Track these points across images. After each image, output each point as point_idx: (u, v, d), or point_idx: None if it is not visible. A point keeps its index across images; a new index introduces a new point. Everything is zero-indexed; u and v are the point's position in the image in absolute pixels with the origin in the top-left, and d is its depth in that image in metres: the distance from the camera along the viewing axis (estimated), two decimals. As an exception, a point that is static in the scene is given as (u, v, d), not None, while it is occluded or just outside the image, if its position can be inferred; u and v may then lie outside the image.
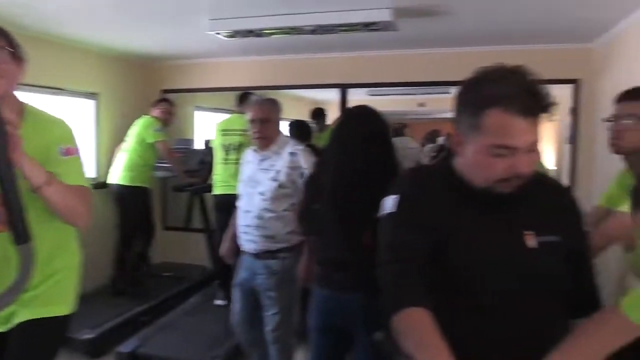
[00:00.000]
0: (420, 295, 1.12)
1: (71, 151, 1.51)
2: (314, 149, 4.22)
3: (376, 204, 1.81)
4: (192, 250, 5.09)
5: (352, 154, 1.95)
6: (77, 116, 4.53)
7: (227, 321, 3.14)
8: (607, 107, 2.12)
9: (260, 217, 2.50)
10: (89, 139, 4.66)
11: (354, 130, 1.99)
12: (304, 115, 6.33)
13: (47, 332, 1.57)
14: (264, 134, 2.53)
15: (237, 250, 2.74)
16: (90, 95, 4.64)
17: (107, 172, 4.54)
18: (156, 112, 4.52)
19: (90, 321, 3.55)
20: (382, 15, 3.18)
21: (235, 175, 3.39)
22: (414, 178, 1.40)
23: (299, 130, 4.31)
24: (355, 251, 1.92)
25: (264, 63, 4.84)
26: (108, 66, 4.73)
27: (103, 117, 4.76)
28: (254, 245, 2.54)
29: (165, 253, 5.24)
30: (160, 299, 4.24)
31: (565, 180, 4.61)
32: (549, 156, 6.50)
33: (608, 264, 2.94)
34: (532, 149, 1.15)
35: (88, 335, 3.45)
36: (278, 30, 3.52)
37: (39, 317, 1.54)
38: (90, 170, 4.59)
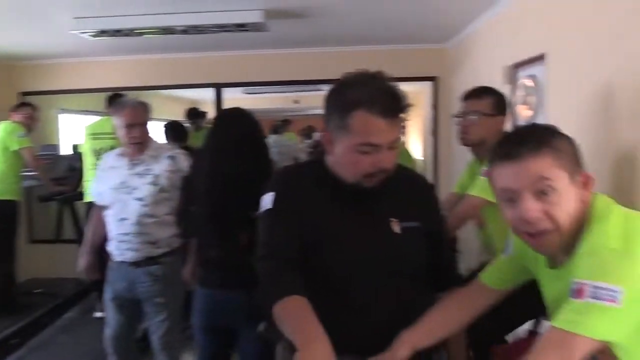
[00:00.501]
0: (296, 286, 1.20)
1: None
2: (190, 150, 4.20)
3: (250, 204, 1.89)
4: (64, 263, 4.77)
5: (225, 156, 2.00)
6: None
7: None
8: (459, 101, 2.39)
9: (140, 224, 2.44)
10: None
11: (226, 132, 2.04)
12: (179, 116, 6.22)
13: None
14: (142, 139, 2.48)
15: (100, 263, 2.64)
16: None
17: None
18: (17, 117, 4.18)
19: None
20: (254, 16, 3.25)
21: None
22: (288, 176, 1.50)
23: (175, 131, 4.23)
24: (233, 250, 1.99)
25: (135, 62, 4.68)
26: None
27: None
28: (133, 254, 2.47)
29: (33, 269, 4.88)
30: (31, 318, 3.95)
31: (429, 169, 5.05)
32: (416, 147, 7.01)
33: (470, 244, 3.30)
34: (393, 146, 1.28)
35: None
36: (148, 30, 3.44)
37: None
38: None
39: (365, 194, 1.33)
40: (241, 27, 3.41)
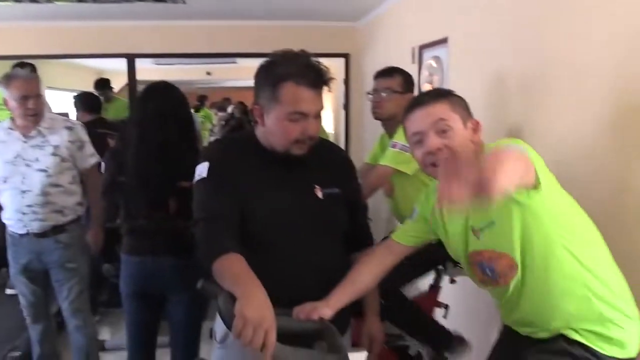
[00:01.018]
0: (233, 245, 1.33)
1: None
2: (103, 121, 4.11)
3: (177, 174, 2.02)
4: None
5: (151, 127, 2.07)
6: None
7: (21, 310, 2.98)
8: (370, 77, 2.59)
9: (45, 194, 2.48)
10: None
11: (152, 104, 2.11)
12: (85, 86, 5.97)
13: None
14: (37, 110, 2.47)
15: None
16: None
17: None
18: None
19: None
20: (171, -12, 3.23)
21: None
22: (221, 147, 1.63)
23: (88, 102, 4.11)
24: (162, 218, 2.09)
25: (42, 30, 4.41)
26: None
27: None
28: (39, 224, 2.50)
29: None
30: None
31: (342, 142, 5.28)
32: (328, 121, 7.22)
33: (379, 212, 3.57)
34: (319, 115, 1.45)
35: None
36: (58, -3, 3.31)
37: None
38: None
39: (291, 163, 1.47)
40: (159, -1, 3.38)
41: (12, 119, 2.53)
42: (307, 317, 1.32)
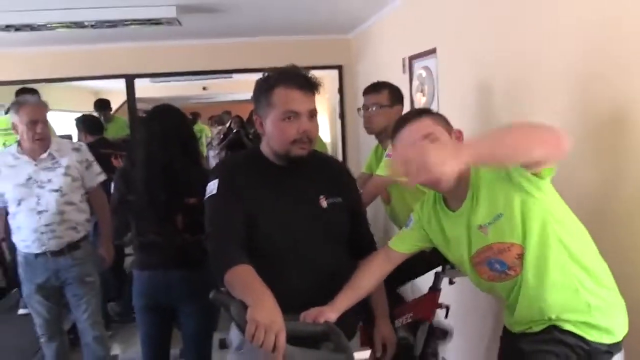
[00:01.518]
0: (243, 256, 1.43)
1: None
2: (105, 141, 4.21)
3: (182, 191, 2.12)
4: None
5: (156, 148, 2.19)
6: None
7: (34, 330, 3.07)
8: (364, 88, 2.69)
9: (61, 212, 2.60)
10: None
11: (156, 127, 2.23)
12: (85, 106, 6.07)
13: None
14: (45, 135, 2.60)
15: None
16: None
17: None
18: None
19: None
20: (167, 12, 3.34)
21: None
22: (229, 164, 1.75)
23: (91, 124, 4.21)
24: (170, 233, 2.20)
25: (42, 54, 4.54)
26: None
27: None
28: (57, 242, 2.61)
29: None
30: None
31: (339, 151, 5.38)
32: (325, 131, 7.34)
33: (378, 220, 3.67)
34: (313, 115, 1.55)
35: None
36: (57, 25, 3.42)
37: None
38: None
39: (296, 175, 1.59)
40: (154, 22, 3.49)
41: (19, 143, 2.64)
42: (313, 320, 1.42)
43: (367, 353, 1.39)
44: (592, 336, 1.38)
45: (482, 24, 2.50)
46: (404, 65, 3.51)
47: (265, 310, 1.23)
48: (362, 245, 1.72)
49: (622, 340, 1.41)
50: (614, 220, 1.69)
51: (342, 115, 5.17)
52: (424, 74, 3.18)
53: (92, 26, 3.52)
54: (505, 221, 1.38)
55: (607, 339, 1.39)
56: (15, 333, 3.66)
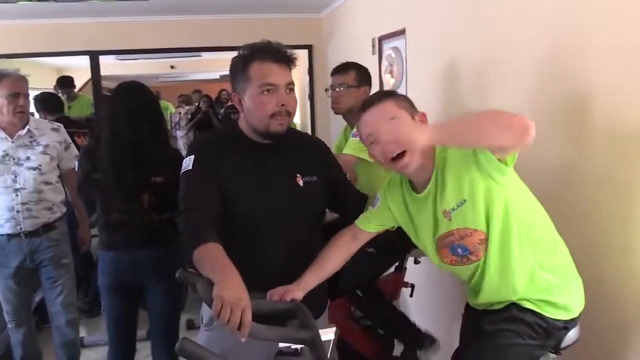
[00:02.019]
0: (213, 234, 1.42)
1: None
2: (67, 120, 4.10)
3: (150, 169, 2.10)
4: None
5: (123, 126, 2.14)
6: None
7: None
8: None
9: (39, 191, 2.55)
10: None
11: (123, 104, 2.18)
12: (47, 83, 5.87)
13: None
14: (26, 109, 2.52)
15: None
16: None
17: None
18: None
19: None
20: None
21: None
22: (206, 141, 1.74)
23: (50, 103, 4.08)
24: (136, 212, 2.16)
25: (3, 28, 4.36)
26: None
27: None
28: (33, 222, 2.55)
29: None
30: None
31: (308, 131, 5.37)
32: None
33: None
34: (290, 89, 1.54)
35: None
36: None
37: None
38: None
39: (273, 152, 1.59)
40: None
41: None
42: (280, 298, 1.43)
43: (332, 330, 1.40)
44: (550, 313, 1.44)
45: (451, 5, 2.51)
46: (373, 46, 3.52)
47: (231, 288, 1.23)
48: (360, 204, 1.73)
49: (578, 316, 1.47)
50: (574, 204, 1.75)
51: (311, 96, 5.15)
52: (393, 54, 3.19)
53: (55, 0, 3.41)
54: (469, 208, 1.41)
55: (564, 316, 1.45)
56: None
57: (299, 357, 1.41)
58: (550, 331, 1.44)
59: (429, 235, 1.52)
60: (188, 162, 1.56)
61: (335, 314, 1.76)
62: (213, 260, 1.35)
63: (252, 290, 1.29)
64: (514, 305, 1.46)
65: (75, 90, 5.58)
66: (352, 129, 2.47)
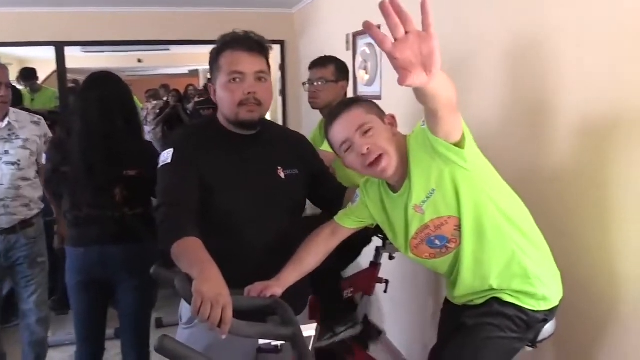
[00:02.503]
0: (191, 229, 1.38)
1: None
2: (27, 112, 3.96)
3: (122, 163, 2.03)
4: None
5: (95, 118, 2.07)
6: None
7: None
8: (307, 63, 2.66)
9: (16, 187, 2.44)
10: None
11: (95, 95, 2.10)
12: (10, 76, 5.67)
13: None
14: (8, 100, 2.41)
15: None
16: None
17: None
18: None
19: None
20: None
21: None
22: (185, 134, 1.70)
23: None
24: (107, 207, 2.10)
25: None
26: None
27: None
28: (9, 219, 2.45)
29: None
30: None
31: (280, 128, 5.32)
32: (265, 108, 7.24)
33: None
34: (262, 78, 1.51)
35: None
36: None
37: None
38: None
39: (254, 144, 1.56)
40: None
41: None
42: (258, 295, 1.40)
43: (313, 326, 1.38)
44: (530, 305, 1.45)
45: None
46: (347, 42, 3.51)
47: (211, 283, 1.20)
48: (337, 198, 1.72)
49: (557, 306, 1.49)
50: (546, 199, 1.78)
51: (283, 92, 5.12)
52: (367, 50, 3.19)
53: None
54: (439, 196, 1.41)
55: (544, 306, 1.46)
56: None
57: (279, 353, 1.39)
58: (530, 324, 1.46)
59: (402, 235, 1.52)
60: (166, 156, 1.52)
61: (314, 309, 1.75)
62: (192, 254, 1.31)
63: (232, 285, 1.26)
64: (494, 299, 1.47)
65: (39, 82, 5.42)
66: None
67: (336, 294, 2.43)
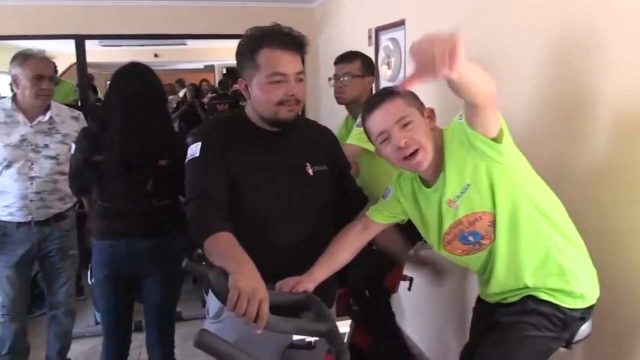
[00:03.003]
0: (223, 223, 1.36)
1: None
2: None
3: (157, 154, 2.02)
4: None
5: (136, 113, 2.06)
6: None
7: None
8: (326, 59, 2.63)
9: (54, 181, 2.47)
10: None
11: (133, 88, 2.09)
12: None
13: None
14: (50, 93, 2.42)
15: None
16: None
17: None
18: None
19: None
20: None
21: None
22: (213, 127, 1.68)
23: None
24: (139, 198, 2.08)
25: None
26: None
27: None
28: (45, 212, 2.47)
29: None
30: None
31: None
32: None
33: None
34: (300, 79, 1.48)
35: None
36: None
37: None
38: None
39: (282, 141, 1.54)
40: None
41: (15, 99, 2.43)
42: (291, 290, 1.38)
43: (348, 323, 1.37)
44: (567, 303, 1.42)
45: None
46: (369, 37, 3.47)
47: (247, 278, 1.18)
48: (355, 203, 1.69)
49: (595, 304, 1.46)
50: (579, 196, 1.74)
51: (302, 87, 5.09)
52: (391, 46, 3.15)
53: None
54: (474, 191, 1.38)
55: (581, 304, 1.43)
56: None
57: (312, 349, 1.38)
58: (567, 322, 1.43)
59: (435, 231, 1.50)
60: (195, 149, 1.50)
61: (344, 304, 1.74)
62: (227, 250, 1.29)
63: (267, 280, 1.24)
64: (529, 297, 1.45)
65: (58, 75, 5.45)
66: (354, 119, 2.43)
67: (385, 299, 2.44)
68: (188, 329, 2.67)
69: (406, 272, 2.56)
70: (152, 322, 2.25)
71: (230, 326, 1.40)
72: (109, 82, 2.19)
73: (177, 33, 4.85)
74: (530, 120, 1.98)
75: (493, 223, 1.40)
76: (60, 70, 5.71)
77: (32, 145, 2.42)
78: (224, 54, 7.81)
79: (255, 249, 1.30)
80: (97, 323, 3.45)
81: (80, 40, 4.41)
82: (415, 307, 3.12)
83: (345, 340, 1.29)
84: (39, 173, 2.44)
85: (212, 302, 1.57)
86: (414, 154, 1.38)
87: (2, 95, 4.39)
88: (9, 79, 2.54)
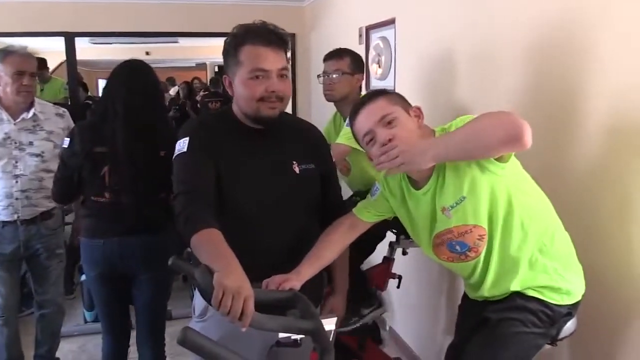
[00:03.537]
0: (210, 219, 1.36)
1: None
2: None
3: (157, 152, 2.02)
4: None
5: (140, 106, 2.06)
6: None
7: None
8: (317, 57, 2.63)
9: (39, 179, 2.44)
10: None
11: (139, 84, 2.10)
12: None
13: None
14: (32, 89, 2.40)
15: None
16: None
17: None
18: None
19: None
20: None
21: None
22: (202, 122, 1.69)
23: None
24: (142, 191, 2.06)
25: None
26: None
27: None
28: (31, 210, 2.45)
29: None
30: None
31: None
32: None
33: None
34: (284, 75, 1.48)
35: None
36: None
37: None
38: None
39: (269, 138, 1.53)
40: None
41: None
42: (277, 288, 1.38)
43: (334, 320, 1.37)
44: (554, 299, 1.44)
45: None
46: (360, 35, 3.48)
47: (233, 276, 1.18)
48: (332, 209, 1.68)
49: (581, 300, 1.48)
50: (570, 198, 1.75)
51: (293, 85, 5.09)
52: (381, 44, 3.15)
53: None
54: (469, 204, 1.39)
55: (567, 300, 1.45)
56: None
57: (298, 347, 1.37)
58: (554, 318, 1.45)
59: (426, 231, 1.50)
60: (182, 144, 1.49)
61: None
62: (213, 247, 1.29)
63: (250, 278, 1.24)
64: (517, 294, 1.45)
65: (49, 72, 5.42)
66: (343, 117, 2.43)
67: (360, 277, 2.41)
68: (177, 327, 2.63)
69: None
70: (143, 320, 2.23)
71: (215, 325, 1.40)
72: (108, 77, 2.17)
73: (169, 31, 4.82)
74: (536, 118, 1.98)
75: (483, 237, 1.41)
76: (50, 67, 5.70)
77: (16, 143, 2.40)
78: (216, 51, 7.72)
79: (242, 246, 1.30)
80: (86, 322, 3.45)
81: (70, 38, 4.39)
82: (404, 305, 3.13)
83: (330, 339, 1.29)
84: (24, 171, 2.42)
85: (198, 300, 1.56)
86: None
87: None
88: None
